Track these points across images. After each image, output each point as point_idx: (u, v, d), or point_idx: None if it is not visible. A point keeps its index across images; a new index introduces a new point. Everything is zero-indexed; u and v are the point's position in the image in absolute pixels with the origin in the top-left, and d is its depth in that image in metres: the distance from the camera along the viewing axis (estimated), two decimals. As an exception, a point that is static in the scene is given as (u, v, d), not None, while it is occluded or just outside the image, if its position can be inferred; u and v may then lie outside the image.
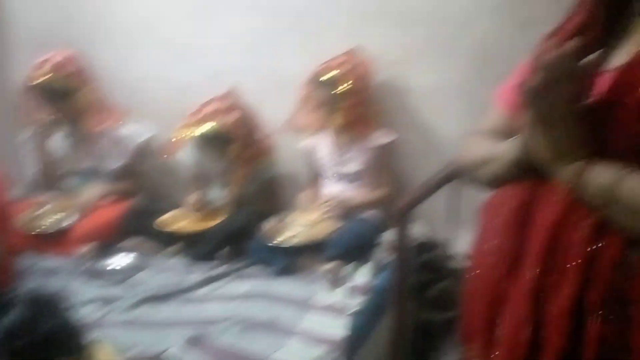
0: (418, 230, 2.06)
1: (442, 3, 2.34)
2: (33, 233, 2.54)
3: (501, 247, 0.97)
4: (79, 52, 2.78)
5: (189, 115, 2.49)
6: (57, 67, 2.62)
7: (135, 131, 2.79)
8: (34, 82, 2.60)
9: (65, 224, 2.59)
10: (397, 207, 1.60)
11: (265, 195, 2.67)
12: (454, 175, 1.57)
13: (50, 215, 2.65)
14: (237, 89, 2.55)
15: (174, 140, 2.55)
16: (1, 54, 3.12)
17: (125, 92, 2.90)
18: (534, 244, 0.91)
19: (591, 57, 0.91)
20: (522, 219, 0.94)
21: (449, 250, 1.92)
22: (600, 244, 0.85)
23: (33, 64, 2.65)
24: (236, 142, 2.45)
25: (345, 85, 2.32)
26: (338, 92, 2.34)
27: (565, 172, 0.87)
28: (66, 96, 2.65)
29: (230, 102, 2.48)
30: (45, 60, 2.63)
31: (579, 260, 0.85)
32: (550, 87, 0.84)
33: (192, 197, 2.61)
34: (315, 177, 2.65)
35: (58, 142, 2.82)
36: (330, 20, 2.57)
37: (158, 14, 2.90)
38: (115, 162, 2.76)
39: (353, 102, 2.35)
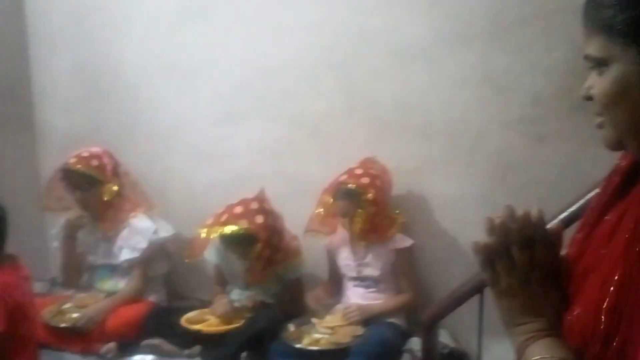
0: (444, 339, 2.06)
1: (459, 117, 2.46)
2: (56, 328, 2.54)
3: None
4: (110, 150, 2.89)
5: (215, 215, 2.54)
6: (85, 158, 2.73)
7: (151, 227, 2.80)
8: (64, 167, 2.72)
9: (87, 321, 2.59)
10: (424, 317, 1.62)
11: (290, 297, 2.68)
12: (482, 286, 1.60)
13: (73, 311, 2.66)
14: (264, 192, 2.62)
15: (199, 238, 2.58)
16: (32, 158, 3.26)
17: (152, 195, 2.98)
18: None
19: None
20: None
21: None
22: None
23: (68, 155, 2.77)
24: (261, 244, 2.47)
25: (364, 196, 2.38)
26: (358, 202, 2.40)
27: (514, 343, 0.88)
28: (90, 187, 2.72)
29: (257, 204, 2.53)
30: (79, 152, 2.76)
31: None
32: (500, 254, 0.86)
33: (215, 298, 2.62)
34: (336, 278, 2.67)
35: (83, 237, 2.88)
36: (350, 129, 2.70)
37: (185, 120, 3.05)
38: (129, 255, 2.77)
39: (372, 211, 2.41)
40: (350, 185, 2.42)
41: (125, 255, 2.77)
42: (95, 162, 2.73)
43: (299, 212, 2.75)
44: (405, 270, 2.53)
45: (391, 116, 2.59)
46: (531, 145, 2.35)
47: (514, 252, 0.85)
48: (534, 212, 0.87)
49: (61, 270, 2.94)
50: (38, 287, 2.89)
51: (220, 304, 2.57)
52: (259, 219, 2.47)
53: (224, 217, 2.49)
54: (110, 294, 2.77)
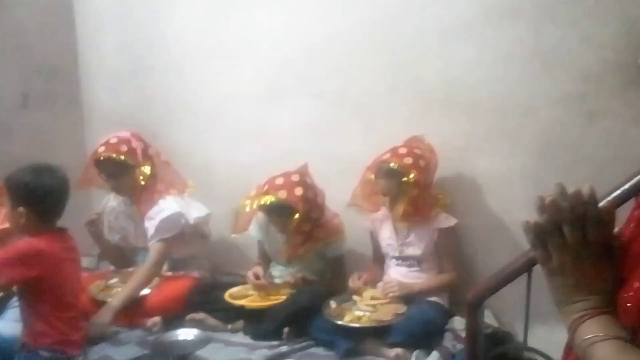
0: (487, 319, 2.04)
1: (506, 94, 2.40)
2: (102, 302, 2.59)
3: None
4: (142, 133, 2.89)
5: (258, 187, 2.57)
6: (114, 145, 2.72)
7: (171, 209, 2.78)
8: (94, 157, 2.73)
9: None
10: (470, 296, 1.60)
11: (332, 274, 2.69)
12: (530, 265, 1.57)
13: (119, 286, 2.73)
14: (307, 167, 2.64)
15: (243, 211, 2.62)
16: (80, 134, 3.33)
17: (195, 173, 3.02)
18: None
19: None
20: None
21: (522, 343, 1.88)
22: None
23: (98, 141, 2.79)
24: (299, 216, 2.48)
25: (406, 177, 2.36)
26: (399, 182, 2.38)
27: (565, 321, 0.88)
28: (123, 173, 2.73)
29: (298, 177, 2.55)
30: (107, 139, 2.76)
31: None
32: (551, 232, 0.86)
33: (257, 274, 2.65)
34: (380, 259, 2.67)
35: (121, 222, 2.95)
36: (394, 107, 2.66)
37: (229, 98, 3.08)
38: (152, 235, 2.77)
39: (414, 194, 2.38)
40: (392, 165, 2.39)
41: (148, 235, 2.78)
42: (124, 148, 2.71)
43: (341, 191, 2.75)
44: (448, 249, 2.51)
45: (435, 93, 2.54)
46: (581, 122, 2.27)
47: (565, 230, 0.85)
48: (585, 190, 0.86)
49: (101, 257, 3.03)
50: (85, 262, 2.98)
51: (260, 278, 2.61)
52: (298, 191, 2.48)
53: (265, 188, 2.52)
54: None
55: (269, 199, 2.48)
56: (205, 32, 3.07)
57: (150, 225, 2.76)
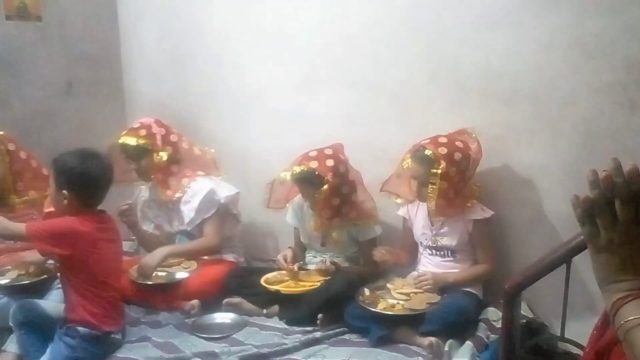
0: (522, 310, 2.03)
1: (546, 83, 2.36)
2: (142, 285, 2.68)
3: None
4: (176, 119, 2.98)
5: (292, 161, 2.63)
6: (135, 130, 2.81)
7: (206, 187, 2.85)
8: (118, 142, 2.81)
9: (171, 279, 2.73)
10: (507, 286, 1.60)
11: (365, 259, 2.72)
12: (569, 255, 1.56)
13: (158, 270, 2.79)
14: (342, 145, 2.68)
15: (279, 184, 2.74)
16: (122, 122, 3.40)
17: (232, 160, 3.08)
18: None
19: None
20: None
21: (557, 334, 1.88)
22: None
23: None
24: (328, 187, 2.52)
25: (436, 166, 2.34)
26: (437, 171, 2.35)
27: (607, 300, 0.87)
28: (142, 156, 2.81)
29: (331, 151, 2.61)
30: (131, 126, 2.87)
31: None
32: (602, 208, 0.83)
33: (286, 257, 2.69)
34: (409, 248, 2.67)
35: (152, 211, 3.01)
36: (431, 96, 2.65)
37: (267, 85, 3.10)
38: (189, 218, 2.84)
39: (443, 187, 2.36)
40: (426, 151, 2.38)
41: (187, 218, 2.84)
42: (143, 132, 2.80)
43: (375, 179, 2.76)
44: (483, 241, 2.49)
45: (474, 83, 2.52)
46: (623, 112, 2.22)
47: (617, 206, 0.82)
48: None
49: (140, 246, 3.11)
50: (125, 247, 3.06)
51: (294, 264, 2.66)
52: (330, 162, 2.55)
53: (299, 159, 2.59)
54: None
55: (300, 168, 2.55)
56: (244, 21, 3.10)
57: (188, 208, 2.82)
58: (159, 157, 2.80)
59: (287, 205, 2.85)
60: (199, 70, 3.31)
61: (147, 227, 3.01)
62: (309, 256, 2.84)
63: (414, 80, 2.67)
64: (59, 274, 2.34)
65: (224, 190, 2.91)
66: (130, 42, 3.56)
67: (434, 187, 2.36)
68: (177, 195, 2.85)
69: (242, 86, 3.19)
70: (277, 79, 3.07)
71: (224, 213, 2.93)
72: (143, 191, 3.06)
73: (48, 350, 2.22)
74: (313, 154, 2.59)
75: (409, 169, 2.50)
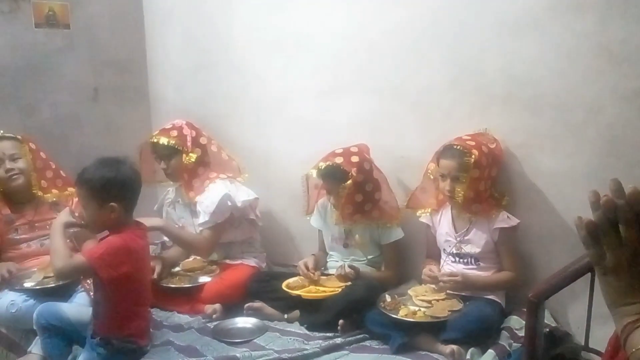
0: (546, 319, 2.00)
1: (571, 89, 2.33)
2: (165, 289, 2.71)
3: None
4: (201, 124, 3.03)
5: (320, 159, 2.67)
6: (167, 130, 2.88)
7: (222, 191, 2.86)
8: (149, 141, 2.88)
9: (194, 283, 2.76)
10: (531, 295, 1.59)
11: (386, 264, 2.74)
12: (590, 267, 1.54)
13: (182, 274, 2.84)
14: (367, 145, 2.71)
15: (307, 178, 2.78)
16: (147, 127, 3.45)
17: (255, 166, 3.11)
18: None
19: None
20: None
21: (581, 344, 1.85)
22: None
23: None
24: (352, 182, 2.55)
25: (468, 156, 2.33)
26: (461, 163, 2.34)
27: (617, 323, 0.85)
28: (171, 156, 2.86)
29: (357, 149, 2.66)
30: (163, 126, 2.94)
31: None
32: (606, 230, 0.82)
33: (307, 264, 2.70)
34: (432, 253, 2.66)
35: (175, 211, 3.05)
36: (453, 102, 2.63)
37: (289, 92, 3.12)
38: (201, 220, 2.85)
39: (476, 175, 2.34)
40: (455, 146, 2.37)
41: (201, 219, 2.85)
42: (174, 133, 2.86)
43: (397, 186, 2.77)
44: (508, 249, 2.46)
45: (497, 89, 2.50)
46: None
47: (622, 229, 0.81)
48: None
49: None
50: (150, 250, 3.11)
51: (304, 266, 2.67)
52: (354, 159, 2.60)
53: (325, 157, 2.65)
54: (213, 261, 2.94)
55: (326, 164, 2.60)
56: (267, 28, 3.13)
57: (202, 210, 2.85)
58: (187, 158, 2.85)
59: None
60: (222, 76, 3.35)
61: None
62: (331, 260, 2.85)
63: (436, 86, 2.66)
64: (95, 292, 2.26)
65: (243, 195, 2.93)
66: (155, 49, 3.61)
67: (466, 177, 2.34)
68: (198, 197, 2.88)
69: (264, 92, 3.21)
70: (300, 85, 3.08)
71: (240, 217, 2.95)
72: (170, 192, 3.11)
73: (80, 358, 2.24)
74: (339, 151, 2.64)
75: (439, 169, 2.46)
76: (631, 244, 0.81)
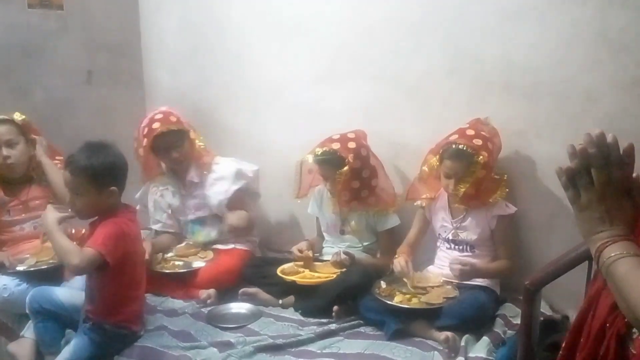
0: (542, 307, 2.01)
1: (569, 78, 2.33)
2: (159, 274, 2.70)
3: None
4: (200, 111, 3.01)
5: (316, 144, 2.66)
6: (166, 119, 2.81)
7: (234, 167, 2.90)
8: (152, 135, 2.78)
9: (188, 268, 2.75)
10: (528, 282, 1.59)
11: (382, 250, 2.73)
12: (588, 255, 1.54)
13: (175, 259, 2.83)
14: (364, 132, 2.69)
15: (302, 163, 2.75)
16: (141, 112, 3.42)
17: (250, 153, 3.09)
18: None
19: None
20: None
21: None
22: (612, 317, 1.05)
23: (139, 125, 2.87)
24: (348, 168, 2.54)
25: (476, 158, 2.31)
26: (467, 164, 2.33)
27: (592, 248, 1.04)
28: (182, 141, 2.84)
29: (353, 135, 2.64)
30: (152, 117, 2.84)
31: (597, 329, 1.08)
32: (581, 174, 1.02)
33: (301, 249, 2.70)
34: (421, 235, 2.65)
35: (169, 200, 3.00)
36: (451, 90, 2.62)
37: (285, 78, 3.10)
38: (217, 201, 2.88)
39: (481, 176, 2.34)
40: (461, 146, 2.34)
41: (214, 201, 2.85)
42: (174, 118, 2.82)
43: (395, 173, 2.76)
44: (505, 237, 2.46)
45: (495, 76, 2.49)
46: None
47: (593, 172, 1.01)
48: (609, 136, 1.03)
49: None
50: (142, 235, 3.08)
51: (308, 254, 2.67)
52: (351, 144, 2.59)
53: (322, 142, 2.63)
54: (205, 244, 2.92)
55: (322, 149, 2.59)
56: (263, 13, 3.10)
57: (216, 191, 2.85)
58: (196, 137, 2.86)
59: (309, 195, 2.87)
60: (217, 61, 3.31)
61: (160, 217, 3.01)
62: (326, 246, 2.84)
63: (434, 73, 2.65)
64: (88, 277, 2.24)
65: (247, 166, 2.94)
66: (150, 33, 3.57)
67: (472, 178, 2.33)
68: (201, 180, 2.89)
69: (260, 79, 3.19)
70: (296, 72, 3.06)
71: (245, 191, 2.95)
72: (155, 183, 3.03)
73: (72, 343, 2.23)
74: (336, 137, 2.63)
75: (437, 168, 2.44)
76: (601, 183, 1.01)
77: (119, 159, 2.17)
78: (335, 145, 2.58)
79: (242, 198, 2.93)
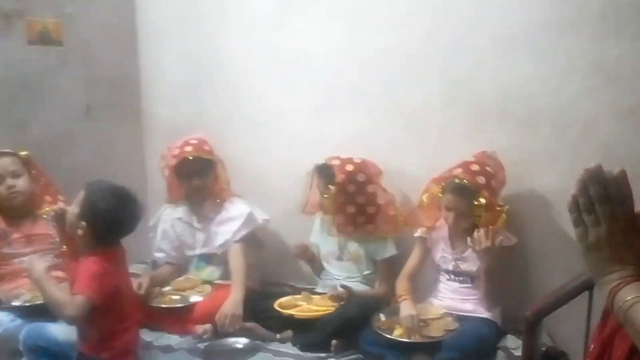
0: (543, 339, 1.97)
1: (566, 107, 2.34)
2: (156, 309, 2.65)
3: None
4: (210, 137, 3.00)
5: None
6: (198, 145, 2.83)
7: (247, 210, 2.87)
8: (180, 158, 2.78)
9: (185, 303, 2.70)
10: (528, 313, 1.56)
11: (380, 281, 2.71)
12: (590, 284, 1.51)
13: (173, 293, 2.78)
14: (374, 163, 2.71)
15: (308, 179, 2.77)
16: (139, 145, 3.43)
17: (250, 183, 3.07)
18: None
19: None
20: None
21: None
22: None
23: (172, 144, 2.88)
24: (339, 187, 2.56)
25: (478, 196, 2.29)
26: (468, 200, 2.31)
27: (603, 291, 0.97)
28: (208, 171, 2.84)
29: (358, 160, 2.67)
30: (186, 141, 2.86)
31: None
32: (587, 210, 0.96)
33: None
34: (419, 267, 2.61)
35: (179, 230, 2.98)
36: (448, 119, 2.63)
37: (284, 110, 3.10)
38: (223, 240, 2.85)
39: (480, 214, 2.31)
40: (464, 182, 2.31)
41: (220, 240, 2.83)
42: (207, 147, 2.84)
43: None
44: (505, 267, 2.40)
45: (492, 106, 2.50)
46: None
47: (597, 207, 0.95)
48: (607, 171, 0.96)
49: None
50: (140, 269, 3.05)
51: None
52: (349, 167, 2.62)
53: (330, 157, 2.70)
54: (207, 282, 2.87)
55: (322, 162, 2.68)
56: (262, 46, 3.12)
57: (224, 230, 2.83)
58: (221, 171, 2.87)
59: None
60: (217, 94, 3.33)
61: (165, 247, 2.99)
62: (325, 278, 2.82)
63: (430, 103, 2.66)
64: None
65: (259, 213, 2.92)
66: (149, 67, 3.59)
67: (472, 215, 2.32)
68: (215, 215, 2.87)
69: (259, 110, 3.19)
70: (295, 103, 3.06)
71: (250, 239, 2.91)
72: (168, 209, 3.02)
73: None
74: (343, 157, 2.68)
75: (444, 200, 2.41)
76: (606, 220, 0.95)
77: (132, 215, 2.17)
78: (335, 162, 2.62)
79: (247, 244, 2.89)
